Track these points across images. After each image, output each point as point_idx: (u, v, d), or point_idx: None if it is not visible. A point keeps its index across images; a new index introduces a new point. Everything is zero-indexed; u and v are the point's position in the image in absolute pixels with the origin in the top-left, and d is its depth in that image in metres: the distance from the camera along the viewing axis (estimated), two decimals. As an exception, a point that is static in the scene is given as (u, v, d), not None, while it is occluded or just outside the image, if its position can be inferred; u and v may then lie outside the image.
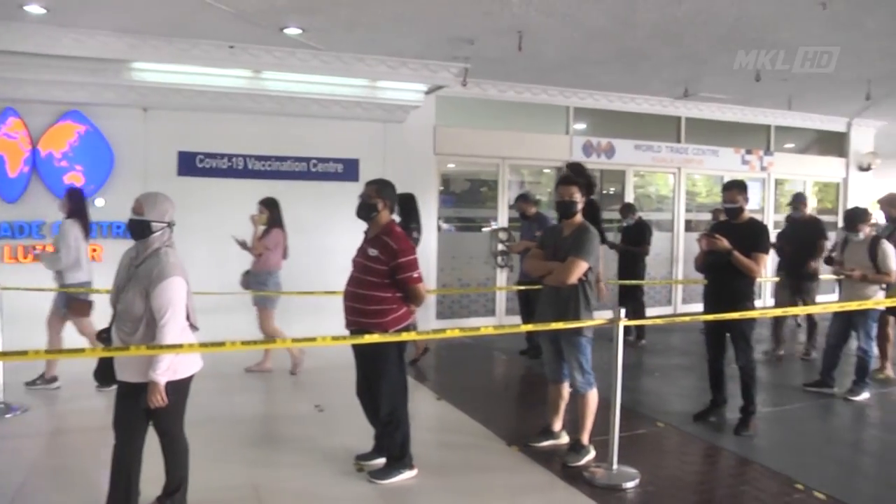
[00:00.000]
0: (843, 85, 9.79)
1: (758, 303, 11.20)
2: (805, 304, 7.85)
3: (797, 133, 13.24)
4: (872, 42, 7.54)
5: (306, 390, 6.57)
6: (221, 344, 5.10)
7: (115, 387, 3.58)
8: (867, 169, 13.64)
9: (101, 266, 7.56)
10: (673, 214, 11.91)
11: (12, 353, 5.19)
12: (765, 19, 6.80)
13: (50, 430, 5.49)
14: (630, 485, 4.38)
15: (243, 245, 7.06)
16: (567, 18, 6.71)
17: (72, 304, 6.25)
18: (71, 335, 6.35)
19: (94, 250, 7.78)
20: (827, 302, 9.19)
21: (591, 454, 4.76)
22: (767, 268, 6.39)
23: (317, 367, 7.28)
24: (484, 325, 5.38)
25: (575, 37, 7.38)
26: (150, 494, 3.68)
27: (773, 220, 12.31)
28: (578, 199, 4.70)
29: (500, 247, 8.36)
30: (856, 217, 6.65)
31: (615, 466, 4.51)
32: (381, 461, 4.53)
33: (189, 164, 8.36)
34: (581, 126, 11.03)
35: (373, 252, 4.25)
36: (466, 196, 10.99)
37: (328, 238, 8.33)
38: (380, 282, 4.23)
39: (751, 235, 5.37)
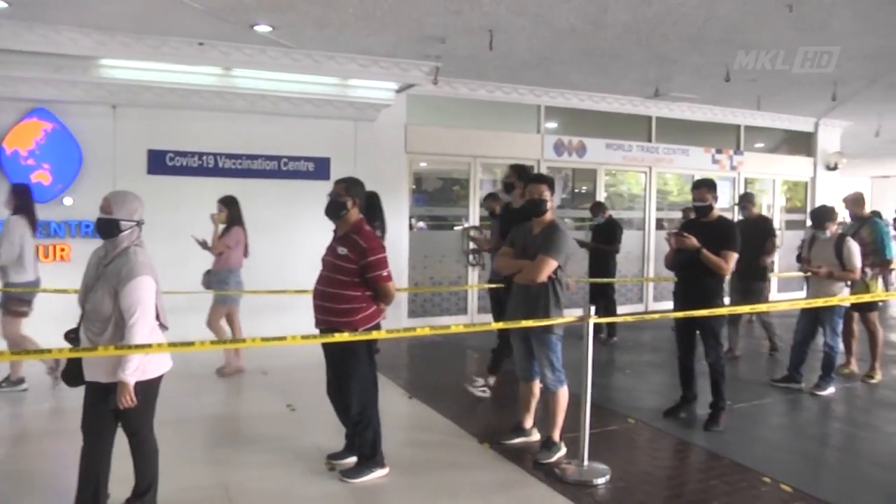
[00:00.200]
0: (810, 86, 9.95)
1: (726, 300, 11.40)
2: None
3: (766, 133, 13.43)
4: (837, 44, 7.66)
5: (278, 390, 6.52)
6: (191, 344, 5.06)
7: (83, 387, 3.53)
8: (834, 168, 13.88)
9: (69, 265, 7.51)
10: (644, 213, 12.01)
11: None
12: (733, 20, 6.87)
13: (16, 434, 5.41)
14: (601, 481, 4.41)
15: (204, 244, 6.96)
16: (538, 18, 6.73)
17: (8, 304, 6.14)
18: (41, 334, 6.25)
19: (63, 249, 7.69)
20: (794, 299, 9.33)
21: (563, 451, 4.78)
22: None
23: (288, 366, 7.24)
24: (455, 324, 5.39)
25: (546, 36, 7.41)
26: (119, 496, 3.64)
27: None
28: (548, 197, 4.72)
29: (472, 245, 8.38)
30: (823, 215, 6.75)
31: (586, 463, 4.53)
32: (353, 460, 4.53)
33: (159, 163, 8.27)
34: (552, 125, 11.08)
35: (342, 251, 4.23)
36: (438, 195, 10.99)
37: (299, 237, 8.30)
38: (349, 280, 4.21)
39: (720, 233, 5.43)
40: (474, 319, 10.10)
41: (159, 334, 3.56)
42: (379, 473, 4.43)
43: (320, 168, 8.92)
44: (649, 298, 11.88)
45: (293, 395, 6.27)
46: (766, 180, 13.60)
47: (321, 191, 4.58)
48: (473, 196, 10.33)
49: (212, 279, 7.02)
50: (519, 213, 6.04)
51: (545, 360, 4.70)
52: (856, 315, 7.34)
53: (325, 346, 4.41)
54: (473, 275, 9.78)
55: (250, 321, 7.19)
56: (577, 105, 10.94)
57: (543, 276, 4.54)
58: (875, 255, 7.03)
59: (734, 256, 5.40)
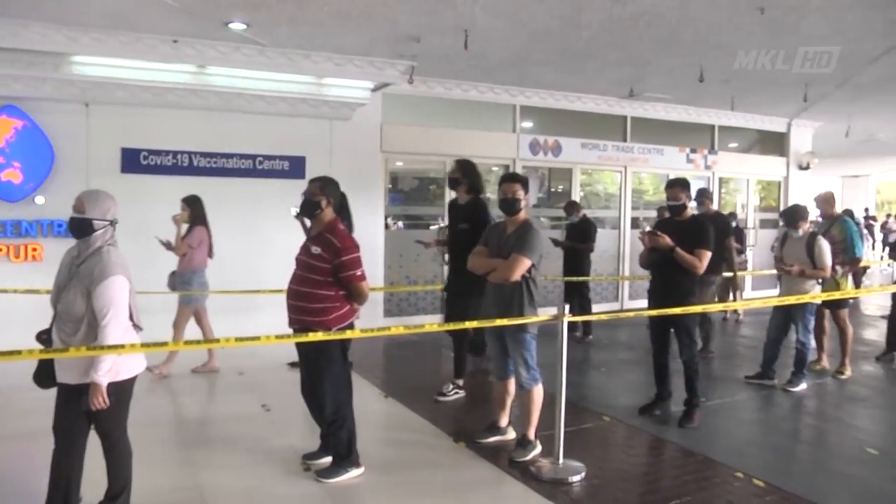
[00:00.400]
0: (782, 87, 10.09)
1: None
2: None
3: (740, 133, 13.58)
4: (808, 46, 7.76)
5: (253, 390, 6.48)
6: (164, 344, 5.03)
7: (54, 389, 3.48)
8: (806, 168, 14.08)
9: (41, 265, 7.42)
10: (619, 212, 12.09)
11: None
12: (706, 22, 6.96)
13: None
14: (576, 478, 4.43)
15: (167, 245, 6.87)
16: (512, 18, 6.76)
17: None
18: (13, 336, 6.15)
19: (35, 249, 7.59)
20: (767, 297, 9.46)
21: (538, 449, 4.80)
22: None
23: (263, 366, 7.22)
24: (429, 323, 5.39)
25: (520, 36, 7.43)
26: (92, 499, 3.59)
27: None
28: (522, 196, 4.73)
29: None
30: (794, 214, 6.84)
31: (561, 460, 4.55)
32: (328, 460, 4.51)
33: (133, 161, 8.18)
34: (528, 124, 11.12)
35: (316, 250, 4.21)
36: (415, 194, 10.99)
37: (274, 236, 8.25)
38: (323, 280, 4.19)
39: (694, 232, 5.48)
40: (449, 318, 10.08)
41: (133, 335, 3.51)
42: (354, 473, 4.42)
43: (295, 167, 8.87)
44: (625, 297, 11.96)
45: (268, 396, 6.23)
46: (740, 180, 13.77)
47: (296, 190, 4.56)
48: (449, 196, 10.31)
49: (176, 280, 6.94)
50: (464, 210, 6.05)
51: (519, 359, 4.71)
52: (827, 312, 7.45)
53: (298, 345, 4.40)
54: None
55: (225, 321, 7.13)
56: (553, 105, 10.99)
57: (517, 275, 4.56)
58: (845, 253, 7.13)
59: (708, 255, 5.45)
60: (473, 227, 5.86)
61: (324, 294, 4.20)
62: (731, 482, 4.45)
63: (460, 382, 6.35)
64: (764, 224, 13.86)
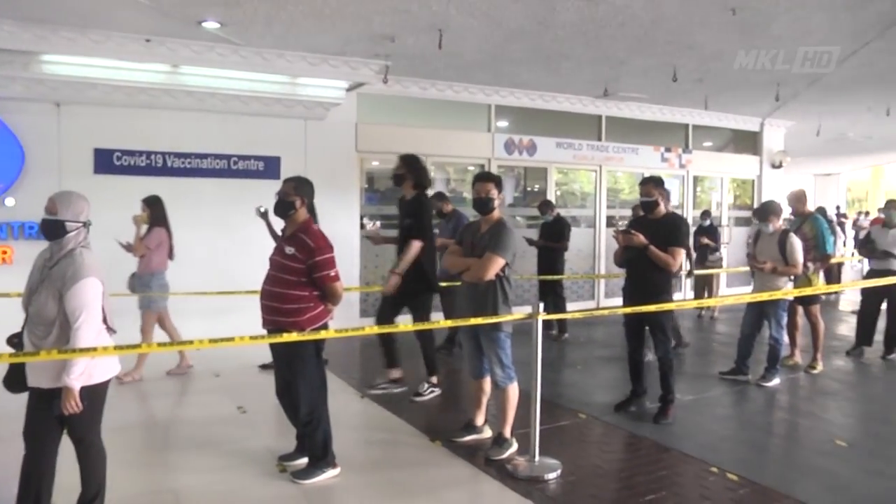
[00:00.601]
0: (755, 86, 10.20)
1: (677, 295, 11.63)
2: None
3: (714, 132, 13.71)
4: (779, 46, 7.86)
5: (228, 392, 6.44)
6: (137, 346, 4.97)
7: (26, 394, 3.42)
8: (779, 166, 14.25)
9: (12, 268, 7.30)
10: (594, 211, 12.15)
11: None
12: (679, 22, 7.02)
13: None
14: (552, 475, 4.45)
15: (127, 247, 6.74)
16: (486, 17, 6.77)
17: None
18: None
19: (5, 252, 7.47)
20: (740, 294, 9.56)
21: (514, 447, 4.81)
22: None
23: (239, 367, 7.17)
24: (404, 323, 5.40)
25: (495, 35, 7.45)
26: (65, 506, 3.55)
27: (692, 217, 12.71)
28: (495, 195, 4.75)
29: None
30: (766, 209, 6.94)
31: (537, 458, 4.58)
32: (304, 461, 4.49)
33: (106, 162, 8.08)
34: (503, 124, 11.14)
35: (290, 250, 4.20)
36: (391, 194, 10.94)
37: (249, 237, 8.15)
38: (297, 280, 4.18)
39: (667, 230, 5.52)
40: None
41: (106, 338, 3.47)
42: (330, 474, 4.41)
43: (270, 167, 8.82)
44: (600, 295, 12.01)
45: (244, 397, 6.19)
46: (714, 178, 13.91)
47: (272, 190, 4.54)
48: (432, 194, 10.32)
49: (136, 283, 6.81)
50: (408, 206, 6.01)
51: (494, 358, 4.72)
52: (799, 308, 7.55)
53: (272, 346, 4.39)
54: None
55: (199, 322, 7.07)
56: (528, 104, 11.02)
57: (491, 274, 4.57)
58: (816, 250, 7.23)
59: (681, 252, 5.51)
60: (417, 223, 5.85)
61: (297, 294, 4.19)
62: (705, 477, 4.50)
63: (435, 380, 6.35)
64: (738, 222, 14.00)
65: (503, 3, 6.35)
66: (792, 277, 6.80)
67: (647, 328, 5.77)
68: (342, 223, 8.48)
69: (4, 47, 6.83)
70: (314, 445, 4.39)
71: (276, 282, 4.24)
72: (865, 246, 8.35)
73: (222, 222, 8.41)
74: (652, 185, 5.66)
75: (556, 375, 7.17)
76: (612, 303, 11.40)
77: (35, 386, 3.34)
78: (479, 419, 5.16)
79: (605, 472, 4.65)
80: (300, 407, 4.33)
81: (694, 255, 9.28)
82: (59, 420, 3.33)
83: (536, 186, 11.90)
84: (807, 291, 6.88)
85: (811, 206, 8.29)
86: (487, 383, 4.99)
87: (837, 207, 22.89)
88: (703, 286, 11.24)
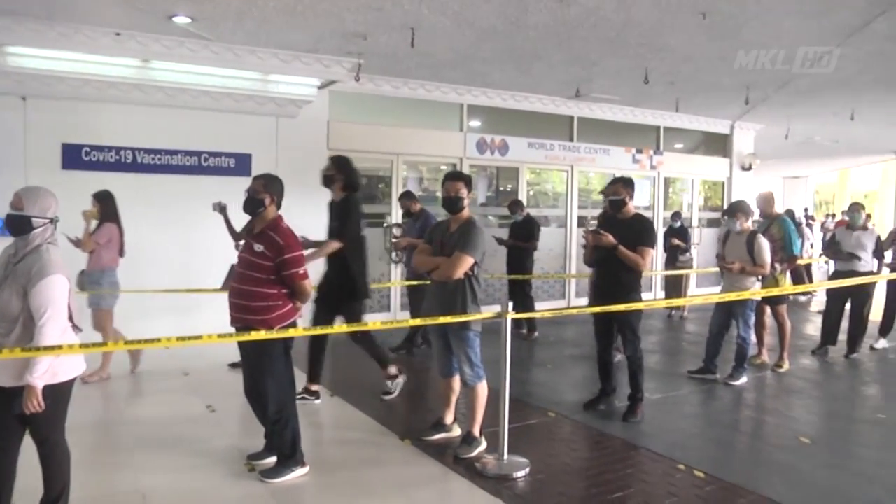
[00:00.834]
0: (725, 90, 10.33)
1: (647, 295, 11.73)
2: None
3: (685, 134, 13.84)
4: (749, 51, 7.95)
5: (197, 391, 6.38)
6: (104, 345, 4.91)
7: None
8: (748, 169, 14.44)
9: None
10: (566, 211, 12.21)
11: None
12: (650, 25, 7.07)
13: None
14: (520, 473, 4.47)
15: (75, 242, 6.50)
16: (458, 17, 6.77)
17: None
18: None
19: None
20: (710, 294, 9.68)
21: (483, 445, 4.83)
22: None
23: (209, 366, 7.11)
24: (374, 321, 5.38)
25: (467, 35, 7.45)
26: (26, 508, 3.49)
27: (662, 218, 12.84)
28: (465, 194, 4.75)
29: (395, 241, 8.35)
30: (735, 207, 7.05)
31: (506, 456, 4.59)
32: (273, 460, 4.47)
33: (74, 157, 7.94)
34: (475, 123, 11.16)
35: (258, 248, 4.17)
36: (364, 192, 10.91)
37: (219, 234, 8.07)
38: (265, 278, 4.16)
39: (636, 230, 5.57)
40: (397, 316, 10.06)
41: (72, 336, 3.41)
42: (299, 472, 4.39)
43: (241, 164, 8.75)
44: (571, 294, 12.06)
45: (213, 396, 6.15)
46: (685, 180, 14.06)
47: (243, 187, 4.51)
48: (396, 194, 10.29)
49: (85, 280, 6.57)
50: (337, 208, 5.95)
51: (463, 357, 4.73)
52: (767, 308, 7.66)
53: (240, 345, 4.36)
54: (396, 272, 9.75)
55: (169, 320, 7.00)
56: (500, 104, 11.04)
57: (460, 273, 4.58)
58: (783, 251, 7.33)
59: (650, 252, 5.56)
60: (343, 226, 5.76)
61: (266, 292, 4.17)
62: (672, 474, 4.55)
63: (393, 371, 6.22)
64: (709, 223, 14.16)
65: (475, 2, 6.36)
66: (759, 278, 6.89)
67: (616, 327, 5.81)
68: (313, 221, 8.37)
69: (-32, 39, 6.71)
70: (283, 444, 4.37)
71: (245, 279, 4.21)
72: (830, 247, 8.51)
73: (193, 219, 8.31)
74: (620, 184, 5.71)
75: (526, 374, 7.21)
76: (583, 302, 11.45)
77: (-4, 385, 3.28)
78: (449, 418, 5.16)
79: (574, 470, 4.69)
80: (269, 405, 4.30)
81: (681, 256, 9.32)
82: (21, 420, 3.26)
83: (509, 186, 11.94)
84: (774, 292, 6.98)
85: (779, 209, 8.42)
86: (457, 382, 4.99)
87: (805, 209, 23.24)
88: (674, 286, 11.36)
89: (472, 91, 10.63)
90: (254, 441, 4.70)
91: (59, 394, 3.33)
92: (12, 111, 7.60)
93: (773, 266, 6.98)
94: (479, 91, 10.67)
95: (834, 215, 21.94)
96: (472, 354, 4.72)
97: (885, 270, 8.61)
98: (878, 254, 8.32)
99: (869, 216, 9.80)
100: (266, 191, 4.30)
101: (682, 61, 8.61)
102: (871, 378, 7.60)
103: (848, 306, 8.29)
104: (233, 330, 4.29)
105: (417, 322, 5.17)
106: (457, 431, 5.12)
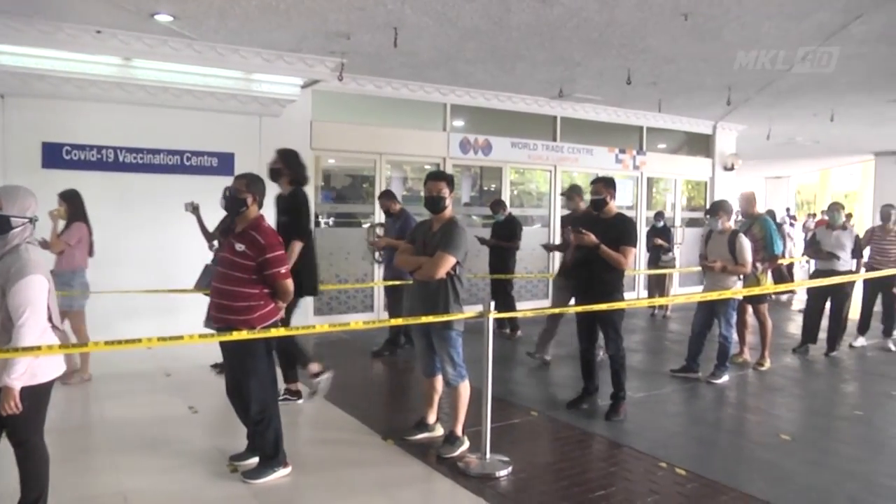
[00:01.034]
0: (707, 90, 10.40)
1: (630, 294, 11.80)
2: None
3: (668, 134, 13.92)
4: (730, 52, 8.02)
5: (179, 392, 6.34)
6: (84, 345, 4.87)
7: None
8: (731, 169, 14.54)
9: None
10: (549, 210, 12.24)
11: None
12: (633, 27, 7.11)
13: None
14: (503, 473, 4.48)
15: (42, 244, 6.23)
16: (441, 17, 6.77)
17: None
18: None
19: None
20: (692, 293, 9.74)
21: (465, 445, 4.83)
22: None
23: (191, 367, 7.07)
24: (354, 321, 5.35)
25: (450, 35, 7.46)
26: (2, 512, 3.46)
27: (645, 217, 12.91)
28: (447, 194, 4.75)
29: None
30: (717, 206, 7.10)
31: (488, 455, 4.60)
32: (255, 460, 4.45)
33: (55, 156, 7.86)
34: (459, 123, 11.17)
35: (240, 247, 4.15)
36: (347, 192, 10.92)
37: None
38: (247, 278, 4.14)
39: (618, 229, 5.60)
40: (381, 316, 10.03)
41: (52, 336, 3.38)
42: (281, 473, 4.38)
43: (224, 163, 8.70)
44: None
45: (196, 397, 6.12)
46: (668, 180, 14.13)
47: (225, 187, 4.49)
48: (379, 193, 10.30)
49: (55, 281, 6.47)
50: (284, 202, 5.83)
51: (446, 356, 4.73)
52: (748, 307, 7.73)
53: (222, 345, 4.33)
54: (380, 272, 9.74)
55: (151, 321, 6.95)
56: (483, 104, 11.06)
57: (442, 273, 4.57)
58: (765, 250, 7.40)
59: (632, 251, 5.59)
60: (292, 220, 5.68)
61: (248, 292, 4.15)
62: (654, 472, 4.58)
63: (315, 368, 5.58)
64: (691, 223, 14.25)
65: (458, 2, 6.35)
66: (741, 277, 6.95)
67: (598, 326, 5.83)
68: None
69: (-55, 36, 6.63)
70: (265, 444, 4.35)
71: (227, 279, 4.19)
72: (811, 247, 8.58)
73: (175, 219, 8.23)
74: (602, 184, 5.74)
75: (509, 374, 7.22)
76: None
77: (-30, 386, 3.24)
78: (431, 417, 5.17)
79: (557, 469, 4.70)
80: (251, 405, 4.29)
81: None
82: (-1, 421, 3.24)
83: (493, 186, 11.95)
84: (755, 291, 7.04)
85: (761, 209, 8.48)
86: (439, 381, 5.00)
87: (787, 209, 23.43)
88: (656, 286, 11.43)
89: (456, 91, 10.64)
90: (236, 442, 4.68)
91: (37, 395, 3.30)
92: (-9, 109, 7.52)
93: (754, 265, 7.03)
94: (463, 91, 10.68)
95: (814, 215, 22.15)
96: (455, 354, 4.73)
97: (864, 270, 8.72)
98: (857, 253, 8.42)
99: (850, 216, 9.92)
100: (248, 190, 4.28)
101: (664, 62, 8.65)
102: (850, 375, 7.68)
103: (828, 305, 8.37)
104: (207, 331, 4.26)
105: (398, 322, 5.14)
106: (439, 431, 5.13)
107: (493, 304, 4.61)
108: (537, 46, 7.94)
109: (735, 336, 7.27)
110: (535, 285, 11.87)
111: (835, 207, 8.44)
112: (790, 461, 4.86)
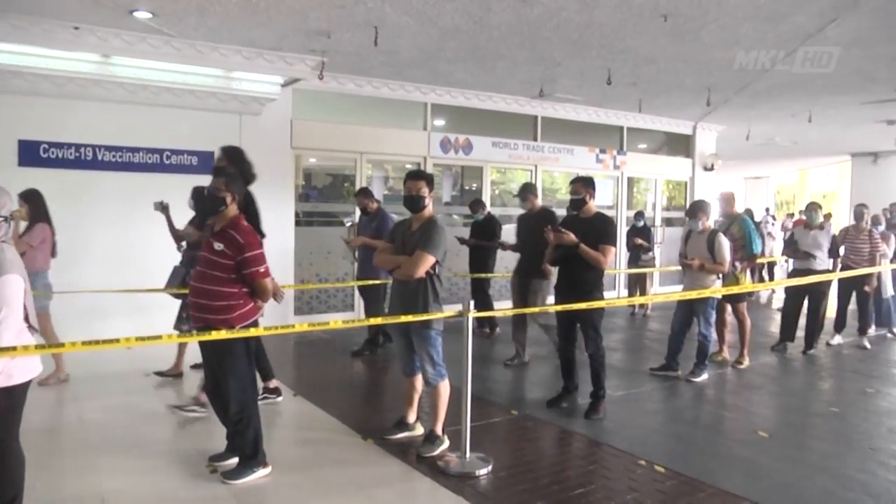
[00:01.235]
0: (687, 91, 10.48)
1: (610, 293, 11.84)
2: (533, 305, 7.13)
3: (648, 134, 14.01)
4: (710, 53, 8.08)
5: (160, 391, 6.30)
6: (61, 345, 4.81)
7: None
8: (711, 169, 14.67)
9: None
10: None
11: None
12: (612, 27, 7.15)
13: None
14: (482, 471, 4.48)
15: None
16: (422, 15, 6.77)
17: None
18: None
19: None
20: (671, 292, 9.80)
21: (445, 444, 4.83)
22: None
23: (168, 367, 6.97)
24: (334, 320, 5.34)
25: (430, 34, 7.46)
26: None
27: (626, 217, 12.98)
28: (426, 193, 4.74)
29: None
30: (696, 207, 7.15)
31: (468, 454, 4.60)
32: (235, 461, 4.42)
33: (32, 154, 7.77)
34: (439, 122, 11.18)
35: (218, 246, 4.12)
36: (329, 191, 10.89)
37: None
38: (226, 277, 4.12)
39: (598, 229, 5.63)
40: (361, 316, 9.99)
41: (28, 336, 3.33)
42: (261, 473, 4.35)
43: (204, 162, 8.62)
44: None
45: (177, 397, 6.08)
46: (648, 179, 14.22)
47: (204, 185, 4.45)
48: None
49: None
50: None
51: (425, 356, 4.73)
52: (727, 306, 7.79)
53: (201, 344, 4.31)
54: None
55: (129, 321, 6.89)
56: (464, 103, 11.08)
57: (421, 272, 4.57)
58: (743, 250, 7.46)
59: (612, 250, 5.62)
60: (250, 220, 5.64)
61: (227, 291, 4.13)
62: (634, 469, 4.60)
63: (202, 399, 5.46)
64: (671, 223, 14.34)
65: (438, 1, 6.36)
66: (720, 276, 7.00)
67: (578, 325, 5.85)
68: (276, 220, 8.32)
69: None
70: (244, 444, 4.33)
71: (205, 278, 4.16)
72: (789, 246, 8.67)
73: (154, 218, 8.18)
74: (581, 184, 5.77)
75: (489, 373, 7.23)
76: (548, 300, 11.52)
77: (-55, 387, 3.19)
78: (411, 416, 5.16)
79: (536, 467, 4.70)
80: (230, 405, 4.26)
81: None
82: (-28, 423, 3.19)
83: (473, 185, 11.97)
84: (734, 290, 7.10)
85: (740, 208, 8.56)
86: (419, 381, 5.00)
87: (767, 209, 23.65)
88: (636, 285, 11.49)
89: (436, 90, 10.64)
90: (216, 442, 4.66)
91: (13, 396, 3.24)
92: (-34, 106, 7.42)
93: (733, 265, 7.10)
94: (443, 90, 10.69)
95: (793, 215, 22.37)
96: (434, 353, 4.73)
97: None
98: (834, 252, 8.52)
99: (828, 216, 10.03)
100: (228, 189, 4.25)
101: (644, 63, 8.71)
102: (827, 373, 7.77)
103: (806, 304, 8.47)
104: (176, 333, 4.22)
105: (377, 321, 5.13)
106: (419, 430, 5.12)
107: (472, 303, 4.60)
108: (518, 46, 7.96)
109: (714, 334, 7.33)
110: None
111: (812, 207, 8.53)
112: (767, 457, 4.90)
